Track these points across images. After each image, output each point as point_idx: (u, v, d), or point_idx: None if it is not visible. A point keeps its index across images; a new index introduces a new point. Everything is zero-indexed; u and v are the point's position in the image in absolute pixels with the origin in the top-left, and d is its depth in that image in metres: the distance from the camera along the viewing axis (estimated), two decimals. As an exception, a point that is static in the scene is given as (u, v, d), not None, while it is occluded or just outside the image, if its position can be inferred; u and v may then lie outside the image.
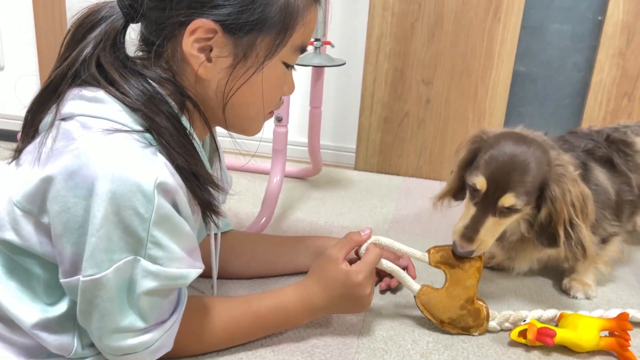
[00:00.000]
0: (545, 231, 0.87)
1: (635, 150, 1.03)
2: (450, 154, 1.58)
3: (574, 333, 0.83)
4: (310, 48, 1.28)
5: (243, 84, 0.70)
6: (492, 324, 0.88)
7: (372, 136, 1.62)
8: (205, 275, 0.82)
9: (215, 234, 0.87)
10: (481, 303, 0.87)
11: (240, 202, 1.34)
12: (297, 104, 1.61)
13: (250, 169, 1.55)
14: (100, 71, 0.66)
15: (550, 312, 0.89)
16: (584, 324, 0.84)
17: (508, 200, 0.83)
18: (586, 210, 0.85)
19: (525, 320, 0.89)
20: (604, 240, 0.98)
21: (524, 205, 0.84)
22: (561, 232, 0.84)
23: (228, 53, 0.69)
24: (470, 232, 0.85)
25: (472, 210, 0.87)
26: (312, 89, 1.42)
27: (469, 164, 0.90)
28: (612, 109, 1.47)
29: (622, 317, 0.84)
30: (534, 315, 0.89)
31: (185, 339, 0.72)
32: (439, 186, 1.53)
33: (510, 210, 0.85)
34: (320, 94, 1.42)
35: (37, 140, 0.67)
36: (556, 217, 0.84)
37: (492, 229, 0.86)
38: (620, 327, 0.83)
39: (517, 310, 0.90)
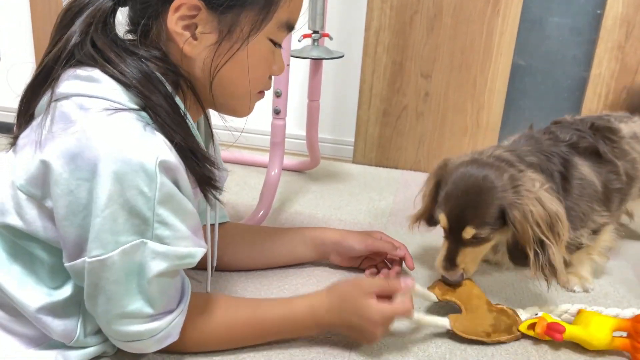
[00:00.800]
0: (516, 252, 0.86)
1: (620, 136, 1.03)
2: (449, 147, 1.58)
3: (585, 331, 0.82)
4: (308, 40, 1.28)
5: (228, 60, 0.70)
6: (524, 317, 0.88)
7: (371, 129, 1.61)
8: (202, 267, 0.82)
9: (212, 225, 0.87)
10: (497, 304, 0.89)
11: (238, 195, 1.34)
12: (296, 97, 1.60)
13: (249, 162, 1.55)
14: (96, 51, 0.67)
15: (576, 307, 0.88)
16: (597, 322, 0.82)
17: (469, 232, 0.85)
18: (556, 228, 0.83)
19: (553, 314, 0.88)
20: (595, 231, 0.98)
21: (489, 233, 0.86)
22: (530, 253, 0.83)
23: (212, 30, 0.69)
24: (449, 264, 0.88)
25: (445, 243, 0.90)
26: (310, 81, 1.41)
27: (435, 195, 0.92)
28: (610, 102, 1.46)
29: (638, 318, 0.82)
30: (563, 308, 0.89)
31: (186, 334, 0.72)
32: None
33: (479, 240, 0.87)
34: (319, 86, 1.42)
35: (35, 123, 0.67)
36: (521, 238, 0.84)
37: (470, 257, 0.88)
38: (635, 329, 0.81)
39: (518, 305, 0.90)
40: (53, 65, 0.68)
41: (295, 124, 1.66)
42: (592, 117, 1.07)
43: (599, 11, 1.44)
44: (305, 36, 1.26)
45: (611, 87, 1.45)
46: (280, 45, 0.76)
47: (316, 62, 1.38)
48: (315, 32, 1.26)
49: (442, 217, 0.88)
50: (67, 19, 0.68)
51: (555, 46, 1.50)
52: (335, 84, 1.68)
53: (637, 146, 1.04)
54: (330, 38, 1.32)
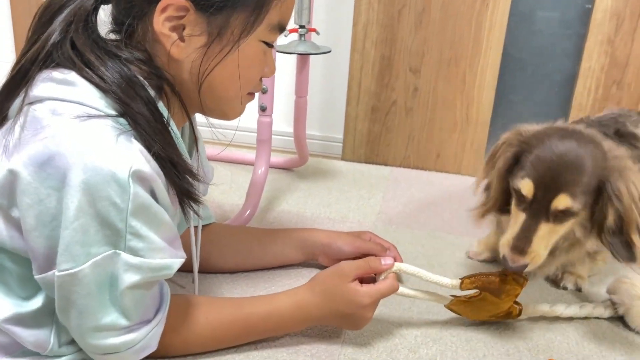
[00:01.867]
0: (618, 239, 0.75)
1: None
2: (439, 142, 1.56)
3: None
4: (295, 35, 1.25)
5: (218, 63, 0.68)
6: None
7: (360, 126, 1.59)
8: (187, 269, 0.80)
9: (196, 227, 0.85)
10: (515, 306, 0.84)
11: (225, 194, 1.31)
12: (283, 93, 1.58)
13: (236, 160, 1.52)
14: (75, 53, 0.64)
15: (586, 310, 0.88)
16: None
17: (563, 202, 0.73)
18: None
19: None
20: None
21: (581, 207, 0.75)
22: (636, 239, 0.73)
23: (201, 32, 0.66)
24: (522, 243, 0.75)
25: (521, 217, 0.77)
26: (297, 77, 1.39)
27: (509, 170, 0.80)
28: (600, 96, 1.45)
29: None
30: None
31: (168, 339, 0.70)
32: (426, 176, 1.52)
33: (566, 214, 0.75)
34: (306, 82, 1.40)
35: (5, 127, 0.64)
36: (627, 217, 0.73)
37: (546, 238, 0.76)
38: None
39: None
40: (30, 66, 0.65)
41: (283, 121, 1.63)
42: (610, 121, 0.98)
43: (588, 5, 1.42)
44: (291, 31, 1.23)
45: (601, 80, 1.44)
46: (272, 46, 0.74)
47: (303, 58, 1.36)
48: (301, 26, 1.24)
49: (526, 184, 0.75)
50: (46, 16, 0.65)
51: (545, 40, 1.49)
52: (323, 80, 1.66)
53: None
54: (318, 33, 1.29)
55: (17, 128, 0.61)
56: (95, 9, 0.66)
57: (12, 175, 0.59)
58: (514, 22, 1.47)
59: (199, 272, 0.91)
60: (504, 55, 1.47)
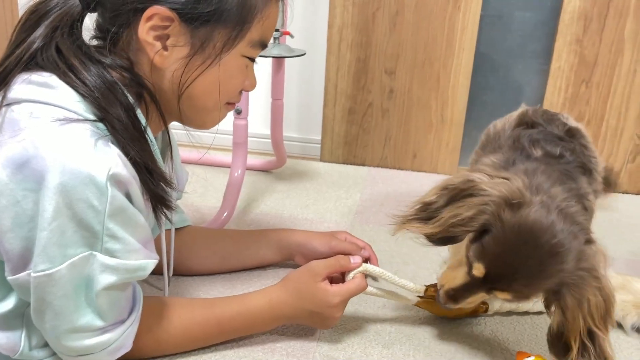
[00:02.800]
0: (558, 342, 0.73)
1: (587, 140, 0.94)
2: (415, 143, 1.58)
3: None
4: (269, 39, 1.26)
5: (199, 75, 0.69)
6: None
7: (337, 127, 1.61)
8: (159, 272, 0.81)
9: (169, 230, 0.85)
10: (481, 305, 0.88)
11: (203, 197, 1.32)
12: (260, 96, 1.59)
13: (213, 163, 1.52)
14: (60, 57, 0.65)
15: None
16: None
17: (504, 296, 0.73)
18: (608, 315, 0.71)
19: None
20: None
21: (520, 302, 0.77)
22: (574, 345, 0.71)
23: (185, 42, 0.68)
24: (458, 295, 0.76)
25: (464, 278, 0.75)
26: (273, 80, 1.40)
27: (470, 226, 0.73)
28: (570, 95, 1.49)
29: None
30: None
31: (142, 340, 0.71)
32: (403, 176, 1.54)
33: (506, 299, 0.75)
34: (282, 85, 1.41)
35: None
36: (568, 328, 0.71)
37: (481, 298, 0.78)
38: None
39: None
40: (14, 68, 0.66)
41: (261, 124, 1.64)
42: (555, 118, 0.96)
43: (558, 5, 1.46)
44: (266, 35, 1.25)
45: (571, 80, 1.48)
46: (254, 60, 0.75)
47: (278, 61, 1.37)
48: (276, 30, 1.25)
49: (478, 267, 0.72)
50: (31, 20, 0.67)
51: (517, 40, 1.52)
52: (300, 82, 1.67)
53: (593, 147, 0.95)
54: (292, 36, 1.31)
55: None
56: (81, 16, 0.68)
57: None
58: (486, 23, 1.50)
59: (176, 274, 0.92)
60: (476, 56, 1.50)
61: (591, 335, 0.71)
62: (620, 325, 0.90)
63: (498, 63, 1.54)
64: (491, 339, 0.86)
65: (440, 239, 0.76)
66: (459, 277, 0.76)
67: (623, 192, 1.53)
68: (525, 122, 0.95)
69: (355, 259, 0.82)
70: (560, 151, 0.86)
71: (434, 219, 0.76)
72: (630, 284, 0.93)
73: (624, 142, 1.50)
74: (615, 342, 0.87)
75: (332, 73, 1.56)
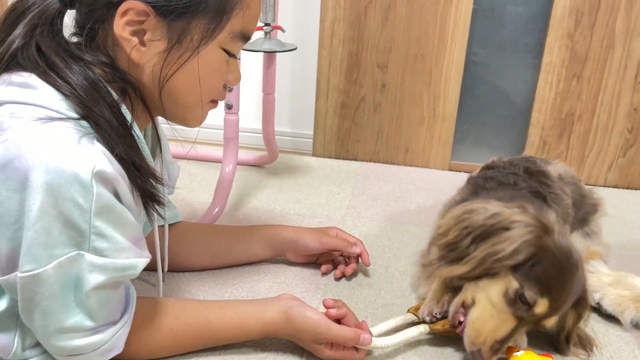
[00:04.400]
0: (561, 332, 0.82)
1: (552, 180, 0.97)
2: (407, 137, 1.58)
3: None
4: (260, 33, 1.26)
5: (178, 69, 0.68)
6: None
7: (329, 122, 1.61)
8: (155, 269, 0.80)
9: (162, 226, 0.85)
10: None
11: (194, 193, 1.31)
12: (251, 91, 1.58)
13: (204, 158, 1.52)
14: (40, 55, 0.64)
15: None
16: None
17: (553, 321, 0.76)
18: (587, 306, 0.81)
19: None
20: None
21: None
22: (574, 338, 0.82)
23: (162, 37, 0.67)
24: (504, 343, 0.74)
25: (510, 321, 0.74)
26: (264, 75, 1.39)
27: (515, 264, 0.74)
28: (562, 89, 1.49)
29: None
30: None
31: (130, 343, 0.69)
32: (395, 170, 1.54)
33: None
34: (273, 80, 1.40)
35: None
36: (564, 327, 0.81)
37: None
38: None
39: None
40: None
41: (253, 118, 1.64)
42: (520, 161, 1.02)
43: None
44: (257, 29, 1.24)
45: (562, 75, 1.48)
46: (235, 56, 0.74)
47: (269, 55, 1.36)
48: (267, 24, 1.24)
49: (542, 303, 0.72)
50: (10, 19, 0.65)
51: (509, 35, 1.52)
52: (292, 77, 1.66)
53: (566, 188, 0.99)
54: (283, 30, 1.30)
55: None
56: (61, 13, 0.67)
57: None
58: (478, 17, 1.50)
59: (167, 270, 0.92)
60: (468, 50, 1.50)
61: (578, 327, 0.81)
62: (612, 317, 0.91)
63: (490, 57, 1.54)
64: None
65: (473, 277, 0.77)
66: (499, 323, 0.74)
67: (614, 187, 1.54)
68: (487, 167, 1.03)
69: (365, 337, 0.75)
70: (513, 180, 0.92)
71: (465, 259, 0.76)
72: (625, 279, 0.93)
73: (614, 137, 1.51)
74: (605, 336, 0.88)
75: (324, 67, 1.56)
